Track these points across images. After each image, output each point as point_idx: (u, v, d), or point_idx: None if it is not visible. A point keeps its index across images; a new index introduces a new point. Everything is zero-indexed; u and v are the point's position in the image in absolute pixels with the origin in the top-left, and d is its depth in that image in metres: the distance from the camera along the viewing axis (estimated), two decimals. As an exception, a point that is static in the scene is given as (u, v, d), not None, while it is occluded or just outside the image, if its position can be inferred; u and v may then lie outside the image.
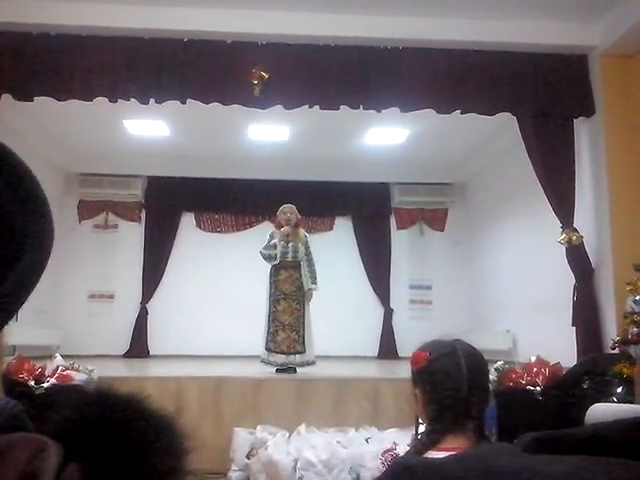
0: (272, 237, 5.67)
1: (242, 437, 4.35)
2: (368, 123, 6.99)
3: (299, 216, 5.87)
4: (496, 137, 7.26)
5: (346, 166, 8.45)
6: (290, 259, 5.57)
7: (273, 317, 5.49)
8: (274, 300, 5.52)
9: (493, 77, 5.17)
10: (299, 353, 5.43)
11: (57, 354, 4.68)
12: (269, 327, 5.48)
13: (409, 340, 6.95)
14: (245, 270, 7.98)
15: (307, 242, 5.73)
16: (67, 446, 0.45)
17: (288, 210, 5.73)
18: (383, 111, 5.22)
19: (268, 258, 5.58)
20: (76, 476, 0.43)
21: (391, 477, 0.57)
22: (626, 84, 5.11)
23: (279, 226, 5.72)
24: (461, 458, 0.52)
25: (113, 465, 0.46)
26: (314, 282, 5.64)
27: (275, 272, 5.58)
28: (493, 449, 0.53)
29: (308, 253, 5.70)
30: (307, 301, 5.58)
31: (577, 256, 5.00)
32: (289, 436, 4.32)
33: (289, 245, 5.58)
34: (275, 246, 5.56)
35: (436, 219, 9.16)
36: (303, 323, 5.50)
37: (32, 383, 3.95)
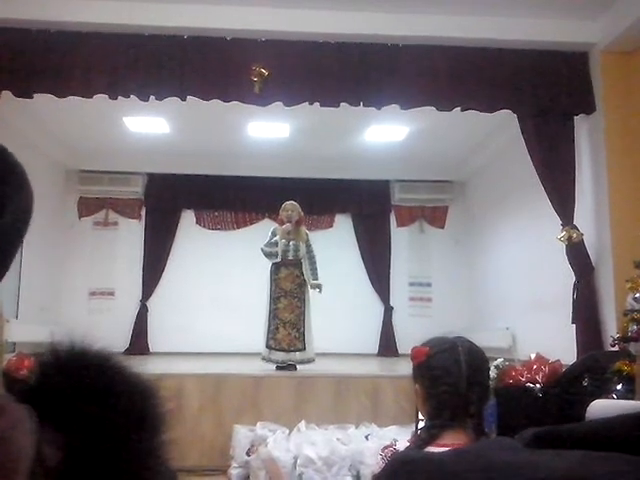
0: (274, 234, 5.65)
1: (242, 434, 4.35)
2: (368, 120, 6.98)
3: (301, 213, 5.83)
4: (496, 134, 7.26)
5: (346, 163, 8.45)
6: (291, 257, 5.56)
7: (274, 315, 5.48)
8: (275, 298, 5.51)
9: (493, 74, 5.16)
10: (299, 350, 5.43)
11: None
12: (269, 325, 5.48)
13: (409, 337, 6.95)
14: (245, 267, 7.99)
15: (308, 240, 5.72)
16: (39, 412, 0.45)
17: (290, 207, 5.71)
18: (383, 108, 5.22)
19: (269, 255, 5.57)
20: (51, 440, 0.43)
21: (390, 472, 0.57)
22: (626, 81, 5.10)
23: (281, 223, 5.69)
24: (461, 452, 0.52)
25: (92, 441, 0.45)
26: (315, 279, 5.62)
27: (276, 270, 5.57)
28: (493, 444, 0.53)
29: (310, 251, 5.68)
30: (308, 293, 5.56)
31: (577, 253, 5.00)
32: (289, 433, 4.33)
33: (290, 243, 5.56)
34: (276, 244, 5.55)
35: (436, 217, 9.16)
36: (304, 320, 5.49)
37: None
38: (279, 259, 5.53)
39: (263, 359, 5.45)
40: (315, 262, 5.68)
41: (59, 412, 0.45)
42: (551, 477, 0.44)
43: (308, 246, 5.69)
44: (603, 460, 0.45)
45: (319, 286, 5.61)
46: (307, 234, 5.78)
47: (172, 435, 0.50)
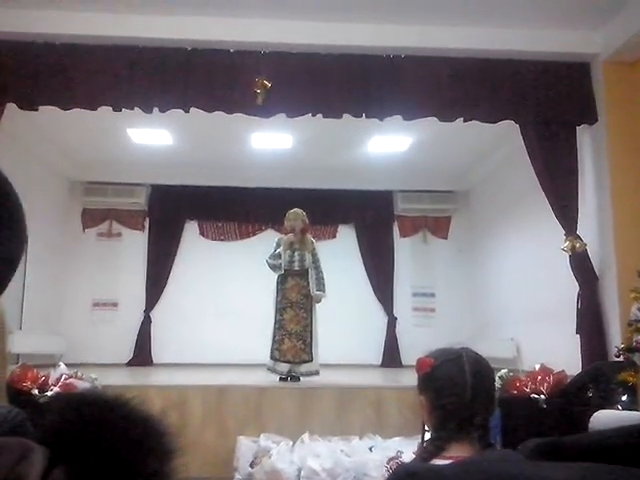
0: (278, 245, 5.60)
1: (246, 446, 4.33)
2: (371, 131, 7.00)
3: (306, 221, 5.70)
4: (499, 145, 7.27)
5: (349, 174, 8.46)
6: (297, 268, 5.50)
7: (279, 325, 5.43)
8: (281, 308, 5.46)
9: (496, 85, 5.18)
10: (305, 362, 5.38)
11: (61, 362, 4.69)
12: (275, 335, 5.43)
13: (413, 348, 6.93)
14: (248, 278, 8.00)
15: (314, 249, 5.62)
16: (54, 450, 0.45)
17: (292, 217, 5.63)
18: (386, 119, 5.24)
19: (273, 268, 5.52)
20: None
21: (395, 484, 0.57)
22: (628, 91, 5.11)
23: (287, 233, 5.64)
24: (464, 464, 0.52)
25: (97, 468, 0.46)
26: (320, 289, 5.55)
27: (282, 280, 5.52)
28: (496, 456, 0.53)
29: (316, 260, 5.60)
30: (315, 304, 5.50)
31: (581, 263, 4.99)
32: (293, 445, 4.31)
33: (295, 254, 5.50)
34: (280, 255, 5.50)
35: (439, 227, 9.15)
36: (310, 332, 5.44)
37: (36, 391, 3.95)
38: (282, 271, 5.48)
39: (268, 370, 5.42)
40: (321, 272, 5.60)
41: (72, 450, 0.46)
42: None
43: (314, 255, 5.60)
44: (605, 472, 0.45)
45: (317, 296, 5.52)
46: (313, 242, 5.68)
47: (177, 455, 0.51)
